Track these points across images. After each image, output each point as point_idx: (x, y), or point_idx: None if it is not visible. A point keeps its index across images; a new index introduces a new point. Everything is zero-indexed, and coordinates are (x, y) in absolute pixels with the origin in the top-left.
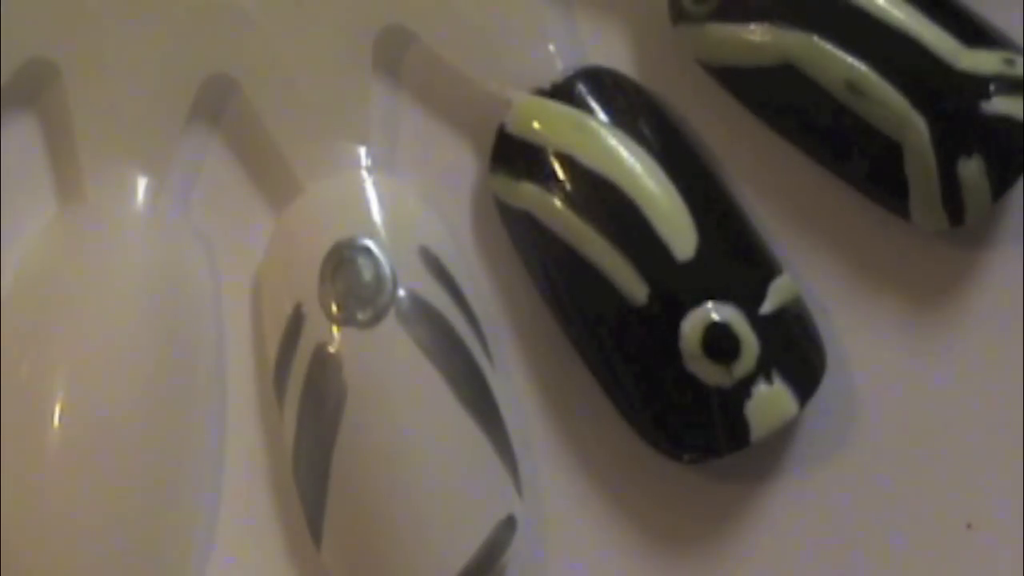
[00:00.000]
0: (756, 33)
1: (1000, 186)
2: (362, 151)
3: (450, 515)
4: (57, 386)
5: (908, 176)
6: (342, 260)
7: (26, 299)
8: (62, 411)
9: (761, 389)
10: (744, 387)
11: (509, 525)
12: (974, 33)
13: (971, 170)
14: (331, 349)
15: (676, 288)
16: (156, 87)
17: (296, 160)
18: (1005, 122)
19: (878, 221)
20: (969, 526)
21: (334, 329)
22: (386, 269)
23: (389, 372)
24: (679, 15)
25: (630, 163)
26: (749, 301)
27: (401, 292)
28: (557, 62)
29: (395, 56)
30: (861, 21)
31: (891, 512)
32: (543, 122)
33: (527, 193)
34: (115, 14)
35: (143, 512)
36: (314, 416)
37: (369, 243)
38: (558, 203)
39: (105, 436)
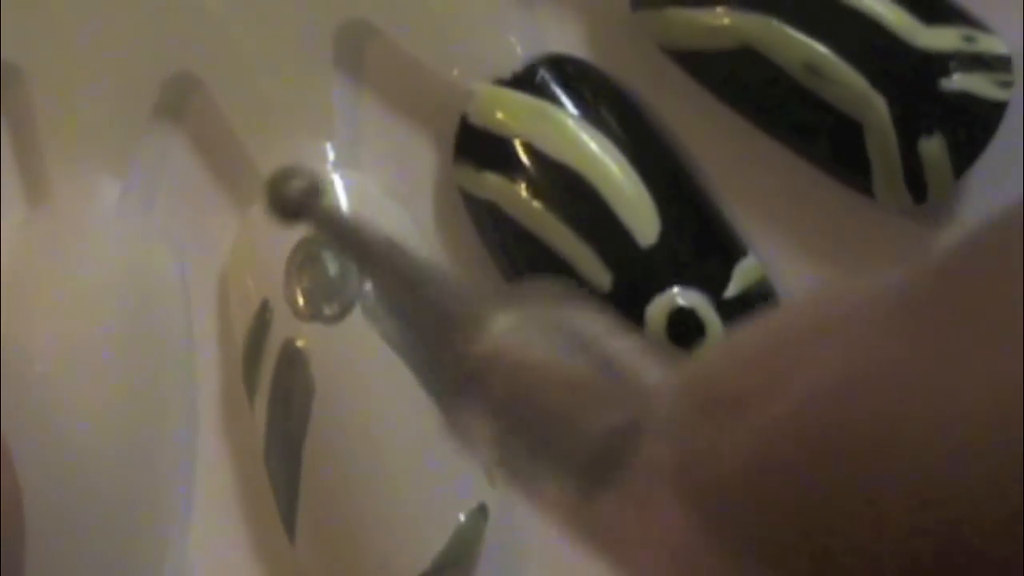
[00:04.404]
0: (715, 17)
1: (962, 163)
2: (327, 147)
3: (421, 505)
4: (29, 386)
5: (870, 155)
6: (308, 256)
7: None
8: (34, 410)
9: None
10: None
11: (481, 513)
12: (934, 10)
13: (932, 148)
14: (298, 344)
15: (640, 274)
16: (119, 87)
17: (260, 157)
18: (965, 99)
19: (843, 200)
20: None
21: (301, 324)
22: (351, 264)
23: (356, 366)
24: (639, 1)
25: (593, 150)
26: (714, 285)
27: (367, 286)
28: (518, 51)
29: (356, 50)
30: (819, 2)
31: None
32: (505, 112)
33: (491, 183)
34: (76, 15)
35: (115, 507)
36: (284, 411)
37: None
38: (522, 192)
39: (77, 435)
